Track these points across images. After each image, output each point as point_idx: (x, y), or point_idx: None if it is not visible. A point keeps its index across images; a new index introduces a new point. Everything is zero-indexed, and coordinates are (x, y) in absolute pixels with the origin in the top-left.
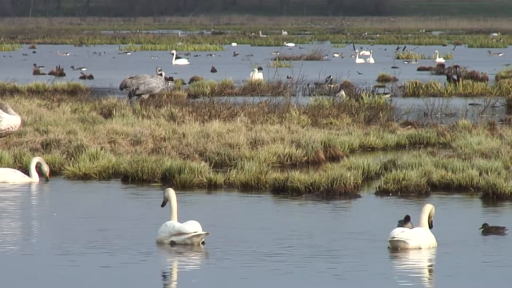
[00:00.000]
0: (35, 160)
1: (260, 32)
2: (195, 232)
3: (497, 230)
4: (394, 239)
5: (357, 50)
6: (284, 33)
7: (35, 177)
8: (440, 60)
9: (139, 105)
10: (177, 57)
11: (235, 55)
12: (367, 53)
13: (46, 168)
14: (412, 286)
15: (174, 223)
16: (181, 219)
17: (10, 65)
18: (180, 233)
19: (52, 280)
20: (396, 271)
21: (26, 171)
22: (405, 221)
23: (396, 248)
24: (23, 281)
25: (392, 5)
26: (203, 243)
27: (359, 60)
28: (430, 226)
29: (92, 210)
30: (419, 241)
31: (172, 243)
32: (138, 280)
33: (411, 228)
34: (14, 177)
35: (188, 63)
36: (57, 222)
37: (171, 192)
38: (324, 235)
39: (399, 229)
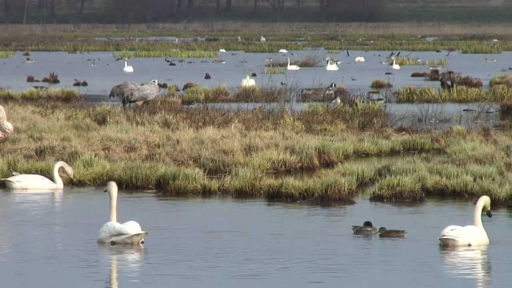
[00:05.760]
0: (58, 165)
1: (239, 37)
2: (135, 232)
3: (397, 233)
4: (444, 237)
5: (287, 57)
6: (263, 39)
7: (59, 183)
8: (396, 67)
9: (133, 112)
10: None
11: (218, 62)
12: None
13: (70, 171)
14: None
15: (114, 224)
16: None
17: (4, 72)
18: (120, 234)
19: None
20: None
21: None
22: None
23: (446, 246)
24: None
25: (386, 11)
26: (142, 242)
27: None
28: (489, 215)
29: (84, 217)
30: (469, 239)
31: (113, 243)
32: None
33: (375, 233)
34: (42, 184)
35: (132, 70)
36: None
37: (113, 188)
38: (317, 241)
39: (449, 227)
